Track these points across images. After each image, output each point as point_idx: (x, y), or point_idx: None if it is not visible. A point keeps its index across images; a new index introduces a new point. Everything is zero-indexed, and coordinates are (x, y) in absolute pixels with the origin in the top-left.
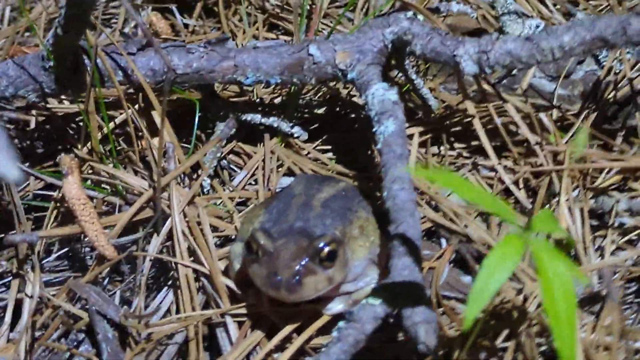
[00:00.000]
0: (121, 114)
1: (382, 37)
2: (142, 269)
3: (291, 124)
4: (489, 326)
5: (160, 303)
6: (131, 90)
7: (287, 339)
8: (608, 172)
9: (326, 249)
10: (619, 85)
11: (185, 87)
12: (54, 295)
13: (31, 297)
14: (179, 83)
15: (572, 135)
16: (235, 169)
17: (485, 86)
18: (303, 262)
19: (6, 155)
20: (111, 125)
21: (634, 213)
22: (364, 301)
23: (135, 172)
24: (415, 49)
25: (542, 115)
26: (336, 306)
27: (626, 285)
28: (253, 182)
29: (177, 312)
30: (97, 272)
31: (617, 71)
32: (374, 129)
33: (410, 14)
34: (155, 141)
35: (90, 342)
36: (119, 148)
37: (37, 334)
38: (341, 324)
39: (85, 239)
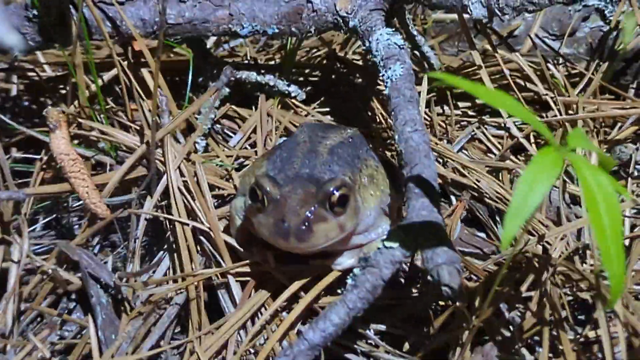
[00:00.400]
0: (109, 70)
1: None
2: (136, 230)
3: (288, 83)
4: (510, 275)
5: (157, 267)
6: (120, 51)
7: (294, 298)
8: (621, 128)
9: (337, 193)
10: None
11: (178, 39)
12: (44, 260)
13: (18, 262)
14: (170, 35)
15: (583, 87)
16: (230, 133)
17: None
18: (313, 208)
19: (7, 24)
20: (99, 82)
21: None
22: (381, 244)
23: (127, 129)
24: None
25: (551, 67)
26: (346, 260)
27: None
28: (248, 147)
29: (175, 273)
30: (89, 233)
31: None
32: (381, 74)
33: None
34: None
35: (82, 310)
36: (107, 107)
37: (24, 305)
38: (357, 271)
39: (75, 204)
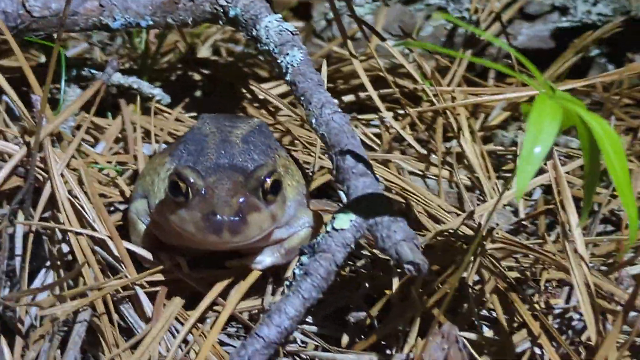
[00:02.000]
0: None
1: None
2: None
3: (152, 86)
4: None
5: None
6: None
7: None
8: (489, 116)
9: (268, 180)
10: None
11: (41, 36)
12: None
13: None
14: (34, 30)
15: (451, 79)
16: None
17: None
18: (245, 197)
19: None
20: None
21: None
22: (330, 227)
23: None
24: None
25: (419, 59)
26: (267, 258)
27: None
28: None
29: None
30: None
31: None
32: (278, 61)
33: None
34: (13, 94)
35: None
36: None
37: None
38: (304, 258)
39: None
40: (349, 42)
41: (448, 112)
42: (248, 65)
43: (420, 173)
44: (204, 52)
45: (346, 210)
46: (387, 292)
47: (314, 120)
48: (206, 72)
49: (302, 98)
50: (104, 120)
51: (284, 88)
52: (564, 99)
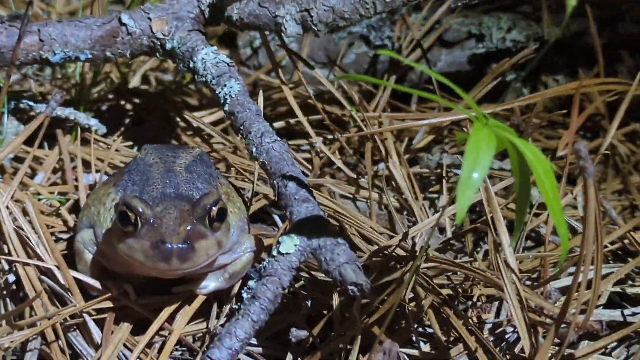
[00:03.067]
0: None
1: (197, 2)
2: None
3: (88, 116)
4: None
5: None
6: None
7: (160, 330)
8: (413, 139)
9: (214, 208)
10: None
11: None
12: None
13: None
14: None
15: (377, 104)
16: (29, 171)
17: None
18: (191, 226)
19: None
20: None
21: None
22: (276, 252)
23: None
24: (232, 14)
25: (345, 86)
26: (211, 283)
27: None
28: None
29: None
30: None
31: (396, 45)
32: (216, 92)
33: None
34: None
35: None
36: None
37: None
38: (251, 283)
39: None
40: (279, 71)
41: (375, 136)
42: (178, 93)
43: (351, 196)
44: (135, 81)
45: (290, 235)
46: (327, 312)
47: (254, 149)
48: (138, 101)
49: (241, 128)
50: (41, 152)
51: (215, 116)
52: (497, 126)
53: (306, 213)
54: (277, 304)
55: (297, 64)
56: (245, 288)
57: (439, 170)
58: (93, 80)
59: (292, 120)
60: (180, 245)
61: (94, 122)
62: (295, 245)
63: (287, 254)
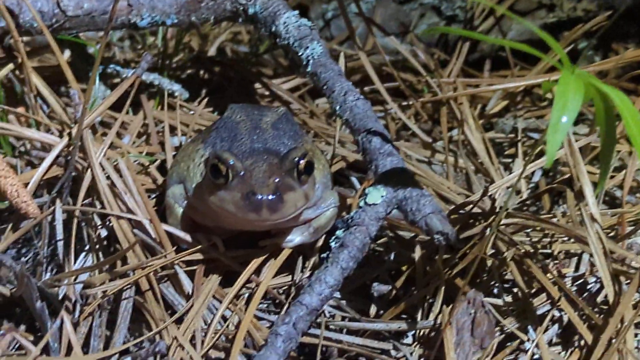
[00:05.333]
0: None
1: None
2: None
3: (172, 82)
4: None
5: (109, 263)
6: None
7: (248, 282)
8: (487, 105)
9: (302, 161)
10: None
11: (73, 34)
12: None
13: None
14: (68, 29)
15: (450, 71)
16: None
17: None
18: (281, 178)
19: None
20: None
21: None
22: (363, 203)
23: (34, 126)
24: None
25: (420, 54)
26: (297, 237)
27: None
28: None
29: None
30: (17, 236)
31: (466, 17)
32: (298, 54)
33: None
34: (49, 93)
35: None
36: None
37: None
38: (339, 232)
39: None
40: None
41: (450, 101)
42: (254, 63)
43: (426, 160)
44: (211, 52)
45: (377, 186)
46: (409, 267)
47: (337, 107)
48: (217, 69)
49: (324, 87)
50: (126, 116)
51: (292, 83)
52: (583, 75)
53: (391, 166)
54: (364, 253)
55: (372, 30)
56: (333, 238)
57: (513, 135)
58: (175, 49)
59: (366, 88)
60: (270, 197)
61: (177, 87)
62: (382, 196)
63: (373, 204)
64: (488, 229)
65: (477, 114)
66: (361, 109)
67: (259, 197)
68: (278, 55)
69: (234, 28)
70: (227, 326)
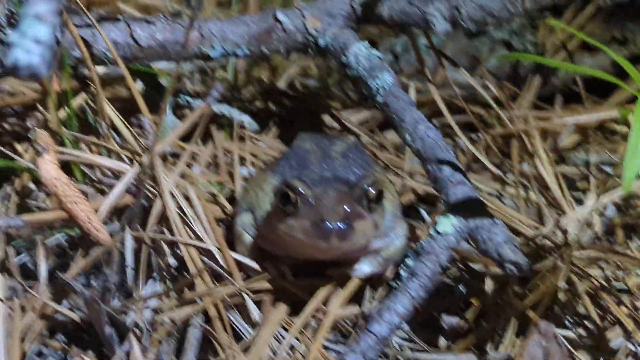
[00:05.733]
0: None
1: (349, 0)
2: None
3: (241, 113)
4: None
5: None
6: None
7: (315, 312)
8: (557, 139)
9: (372, 190)
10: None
11: (145, 64)
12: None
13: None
14: (139, 59)
15: (522, 104)
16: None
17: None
18: (351, 206)
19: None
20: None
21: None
22: (433, 231)
23: (107, 154)
24: (382, 12)
25: (491, 87)
26: (366, 267)
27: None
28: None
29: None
30: (88, 262)
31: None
32: (368, 84)
33: None
34: (121, 122)
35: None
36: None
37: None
38: (409, 261)
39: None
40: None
41: (522, 134)
42: (323, 96)
43: (497, 193)
44: (281, 85)
45: (448, 215)
46: (479, 299)
47: (408, 137)
48: (286, 102)
49: (394, 117)
50: (196, 147)
51: (361, 116)
52: None
53: (462, 195)
54: (435, 283)
55: (442, 63)
56: (402, 266)
57: (585, 169)
58: (244, 81)
59: (436, 122)
60: (339, 225)
61: (246, 119)
62: (453, 224)
63: (444, 233)
64: (560, 261)
65: (549, 148)
66: (432, 138)
67: (329, 225)
68: (347, 88)
69: (303, 62)
70: (295, 356)
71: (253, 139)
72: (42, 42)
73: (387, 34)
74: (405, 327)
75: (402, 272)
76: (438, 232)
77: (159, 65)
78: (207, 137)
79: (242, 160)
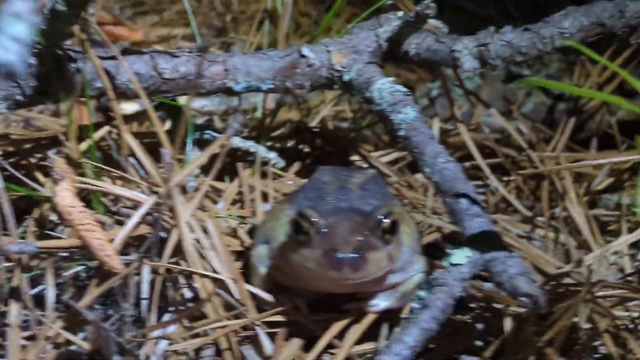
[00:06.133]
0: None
1: (375, 37)
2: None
3: (268, 150)
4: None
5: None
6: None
7: (329, 345)
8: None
9: (386, 220)
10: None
11: (169, 97)
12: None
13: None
14: (163, 92)
15: (555, 146)
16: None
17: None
18: (364, 236)
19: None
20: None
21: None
22: (447, 263)
23: (126, 185)
24: (409, 49)
25: (521, 127)
26: (383, 302)
27: None
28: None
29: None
30: (102, 290)
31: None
32: (391, 118)
33: (400, 13)
34: (141, 153)
35: None
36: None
37: None
38: (422, 293)
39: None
40: (457, 111)
41: (553, 176)
42: (353, 138)
43: (526, 235)
44: (312, 124)
45: (462, 247)
46: (498, 338)
47: (427, 170)
48: (317, 141)
49: (415, 150)
50: (222, 184)
51: (390, 157)
52: None
53: (478, 227)
54: (447, 315)
55: (471, 103)
56: (416, 299)
57: (617, 212)
58: (272, 119)
59: (467, 164)
60: (352, 255)
61: (273, 156)
62: (467, 256)
63: (458, 264)
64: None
65: (582, 192)
66: (451, 171)
67: (341, 255)
68: (380, 132)
69: (338, 106)
70: None
71: (278, 176)
72: (20, 40)
73: (424, 79)
74: None
75: (413, 305)
76: (451, 264)
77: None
78: (234, 174)
79: (266, 196)
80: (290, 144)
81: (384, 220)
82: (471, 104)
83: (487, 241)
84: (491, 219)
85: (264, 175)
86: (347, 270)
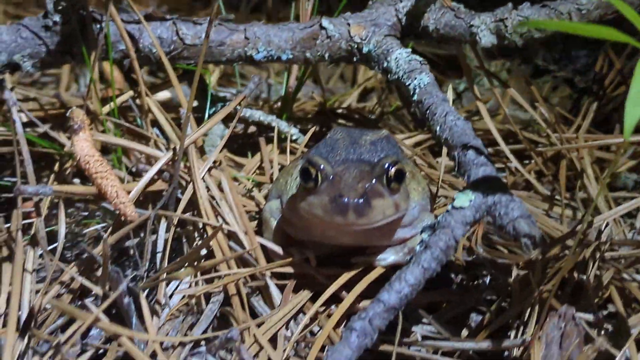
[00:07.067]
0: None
1: (394, 11)
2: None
3: (289, 125)
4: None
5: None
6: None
7: (335, 298)
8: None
9: (392, 169)
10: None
11: (190, 64)
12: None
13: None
14: (185, 58)
15: (577, 127)
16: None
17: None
18: (370, 183)
19: None
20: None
21: None
22: (450, 207)
23: (143, 141)
24: (428, 24)
25: (543, 111)
26: (390, 256)
27: None
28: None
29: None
30: (116, 238)
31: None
32: (407, 84)
33: None
34: (159, 114)
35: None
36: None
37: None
38: (425, 236)
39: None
40: (480, 104)
41: (573, 157)
42: (378, 121)
43: (544, 212)
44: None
45: (465, 191)
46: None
47: (437, 128)
48: (342, 121)
49: (427, 112)
50: (244, 160)
51: (415, 139)
52: None
53: (483, 174)
54: (449, 256)
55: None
56: (419, 241)
57: (637, 193)
58: (295, 94)
59: (489, 150)
60: (357, 200)
61: (294, 131)
62: (470, 200)
63: (461, 208)
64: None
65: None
66: (460, 127)
67: (346, 200)
68: (406, 119)
69: (362, 103)
70: (309, 333)
71: (296, 148)
72: None
73: (451, 76)
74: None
75: (417, 247)
76: (454, 207)
77: None
78: (256, 149)
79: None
80: (311, 121)
81: (390, 168)
82: (489, 81)
83: (490, 186)
84: (495, 168)
85: (284, 150)
86: (352, 216)
